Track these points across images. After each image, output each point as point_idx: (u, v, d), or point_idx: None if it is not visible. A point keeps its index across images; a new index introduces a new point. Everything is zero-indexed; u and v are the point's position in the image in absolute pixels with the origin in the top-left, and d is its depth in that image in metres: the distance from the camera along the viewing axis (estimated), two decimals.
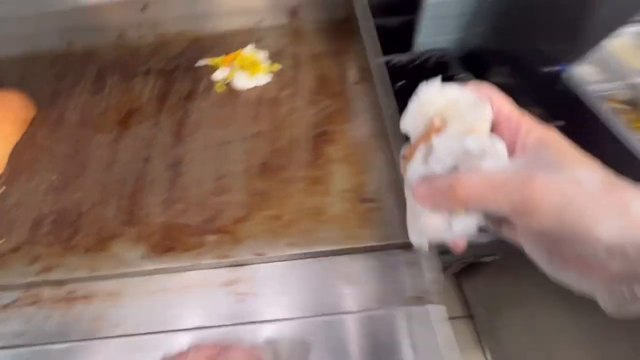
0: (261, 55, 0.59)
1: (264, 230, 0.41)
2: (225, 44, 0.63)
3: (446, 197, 0.19)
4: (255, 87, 0.56)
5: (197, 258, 0.39)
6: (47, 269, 0.40)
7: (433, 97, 0.22)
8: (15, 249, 0.42)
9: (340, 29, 0.63)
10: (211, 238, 0.41)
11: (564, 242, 0.16)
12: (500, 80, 0.73)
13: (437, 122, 0.21)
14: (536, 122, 0.20)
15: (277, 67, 0.58)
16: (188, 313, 0.37)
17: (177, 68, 0.61)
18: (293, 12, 0.65)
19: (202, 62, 0.60)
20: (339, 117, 0.51)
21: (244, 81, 0.55)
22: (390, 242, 0.38)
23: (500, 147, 0.19)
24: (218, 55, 0.61)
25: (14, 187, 0.48)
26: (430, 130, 0.21)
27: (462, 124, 0.20)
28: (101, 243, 0.41)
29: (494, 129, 0.21)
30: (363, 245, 0.39)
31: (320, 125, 0.50)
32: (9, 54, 0.65)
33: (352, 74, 0.56)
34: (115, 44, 0.65)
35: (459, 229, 0.21)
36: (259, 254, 0.39)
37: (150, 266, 0.39)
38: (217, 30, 0.65)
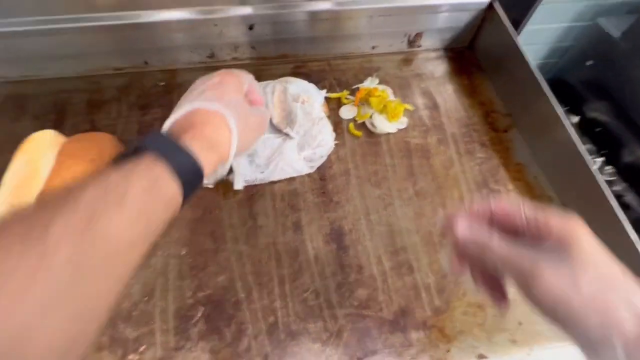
0: (389, 92, 0.52)
1: (473, 323, 0.35)
2: (336, 71, 0.55)
3: (479, 247, 0.23)
4: (395, 133, 0.49)
5: None
6: None
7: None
8: None
9: (463, 61, 0.58)
10: (416, 336, 0.34)
11: (555, 318, 0.21)
12: (597, 116, 0.72)
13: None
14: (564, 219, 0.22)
15: (409, 107, 0.52)
16: None
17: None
18: (411, 40, 0.58)
19: (318, 94, 0.51)
20: (504, 173, 0.46)
21: (384, 125, 0.48)
22: None
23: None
24: (329, 84, 0.53)
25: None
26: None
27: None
28: (280, 346, 0.33)
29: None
30: None
31: (487, 184, 0.45)
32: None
33: (498, 118, 0.51)
34: (206, 66, 0.55)
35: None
36: (483, 357, 0.34)
37: None
38: (324, 55, 0.57)
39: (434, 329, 0.35)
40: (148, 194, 0.21)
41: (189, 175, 0.23)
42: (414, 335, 0.34)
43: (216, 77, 0.31)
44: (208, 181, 0.30)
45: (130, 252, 0.20)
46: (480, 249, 0.23)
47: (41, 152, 0.41)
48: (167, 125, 0.27)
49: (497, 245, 0.22)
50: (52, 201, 0.18)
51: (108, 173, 0.20)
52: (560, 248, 0.21)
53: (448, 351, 0.34)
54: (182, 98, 0.30)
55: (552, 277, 0.20)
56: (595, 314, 0.19)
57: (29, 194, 0.39)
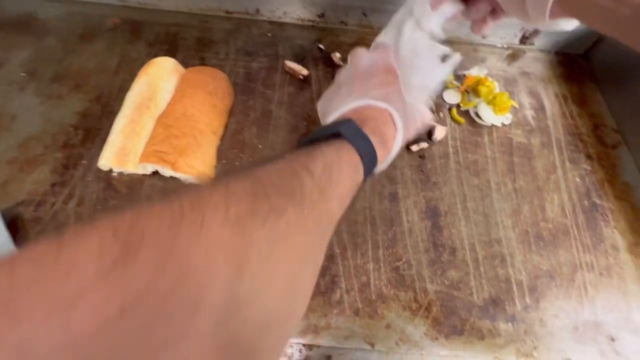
0: (496, 85, 0.50)
1: (563, 328, 0.35)
2: None
3: None
4: (499, 127, 0.47)
5: (496, 353, 0.33)
6: (314, 332, 0.33)
7: None
8: None
9: (574, 68, 0.55)
10: (505, 327, 0.34)
11: None
12: None
13: None
14: None
15: (515, 104, 0.50)
16: None
17: None
18: (527, 37, 0.55)
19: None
20: (609, 190, 0.44)
21: (490, 116, 0.47)
22: None
23: None
24: None
25: None
26: None
27: None
28: (371, 306, 0.34)
29: None
30: None
31: (590, 196, 0.43)
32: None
33: (607, 133, 0.49)
34: (312, 25, 0.55)
35: None
36: None
37: (440, 351, 0.33)
38: None
39: (523, 324, 0.35)
40: (352, 179, 0.22)
41: (371, 168, 0.24)
42: (503, 326, 0.34)
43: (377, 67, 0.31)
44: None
45: (331, 229, 0.20)
46: None
47: (162, 76, 0.43)
48: (337, 115, 0.28)
49: None
50: (290, 164, 0.18)
51: (322, 150, 0.21)
52: None
53: (535, 348, 0.34)
54: (337, 90, 0.32)
55: None
56: None
57: (148, 113, 0.41)
